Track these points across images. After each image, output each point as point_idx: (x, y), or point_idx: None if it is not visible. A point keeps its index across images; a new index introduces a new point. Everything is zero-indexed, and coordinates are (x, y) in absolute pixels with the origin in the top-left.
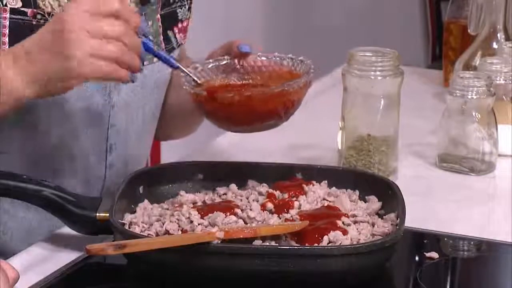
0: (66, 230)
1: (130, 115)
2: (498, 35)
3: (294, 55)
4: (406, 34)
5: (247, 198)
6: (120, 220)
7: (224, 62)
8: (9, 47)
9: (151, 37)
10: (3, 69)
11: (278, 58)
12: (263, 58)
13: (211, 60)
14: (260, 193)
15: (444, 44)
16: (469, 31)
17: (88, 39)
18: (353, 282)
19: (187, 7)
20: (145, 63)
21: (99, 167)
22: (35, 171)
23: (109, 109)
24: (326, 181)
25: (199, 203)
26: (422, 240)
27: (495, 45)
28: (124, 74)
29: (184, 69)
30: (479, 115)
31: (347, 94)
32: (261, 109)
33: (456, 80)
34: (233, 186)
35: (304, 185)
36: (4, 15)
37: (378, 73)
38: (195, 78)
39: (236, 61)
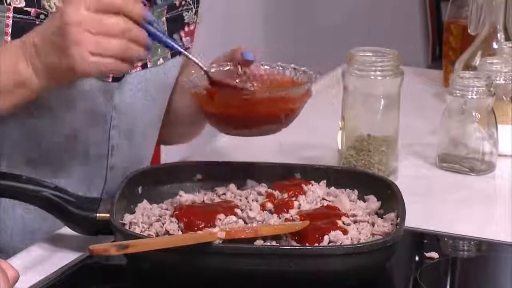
0: (66, 230)
1: (134, 117)
2: (498, 35)
3: (297, 65)
4: (406, 34)
5: (246, 198)
6: (120, 221)
7: (227, 68)
8: None
9: (155, 24)
10: (14, 60)
11: (280, 68)
12: (266, 67)
13: (214, 65)
14: (259, 193)
15: (444, 44)
16: (469, 31)
17: (89, 37)
18: (353, 282)
19: (194, 10)
20: (149, 65)
21: (100, 168)
22: (35, 172)
23: (111, 110)
24: (324, 181)
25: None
26: (422, 240)
27: (495, 45)
28: (125, 68)
29: (189, 56)
30: (479, 115)
31: (347, 94)
32: (259, 113)
33: (456, 80)
34: (232, 186)
35: (304, 185)
36: (8, 14)
37: (378, 73)
38: (202, 65)
39: (238, 68)
